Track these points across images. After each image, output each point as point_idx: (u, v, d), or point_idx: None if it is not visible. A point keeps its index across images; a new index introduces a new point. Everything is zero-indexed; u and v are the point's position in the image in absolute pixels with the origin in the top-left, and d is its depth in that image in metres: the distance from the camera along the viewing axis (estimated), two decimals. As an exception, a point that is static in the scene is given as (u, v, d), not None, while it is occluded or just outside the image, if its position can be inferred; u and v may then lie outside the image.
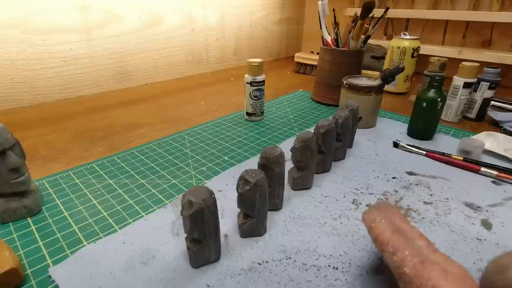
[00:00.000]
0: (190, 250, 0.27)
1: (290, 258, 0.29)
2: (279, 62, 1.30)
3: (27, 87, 0.70)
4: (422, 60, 0.91)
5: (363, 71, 0.91)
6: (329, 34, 0.73)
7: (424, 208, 0.36)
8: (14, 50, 0.66)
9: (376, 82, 0.57)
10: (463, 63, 0.60)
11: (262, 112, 0.63)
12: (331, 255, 0.29)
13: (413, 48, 0.77)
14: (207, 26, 1.03)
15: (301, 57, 1.08)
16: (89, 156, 0.49)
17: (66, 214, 0.35)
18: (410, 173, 0.44)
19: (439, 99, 0.50)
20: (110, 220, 0.34)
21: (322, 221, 0.34)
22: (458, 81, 0.60)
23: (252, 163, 0.46)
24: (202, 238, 0.26)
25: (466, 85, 0.59)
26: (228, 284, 0.26)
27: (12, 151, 0.32)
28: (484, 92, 0.61)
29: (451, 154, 0.47)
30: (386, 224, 0.24)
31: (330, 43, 0.72)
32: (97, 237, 0.31)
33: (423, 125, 0.53)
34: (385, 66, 0.85)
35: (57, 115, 0.66)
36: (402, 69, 0.54)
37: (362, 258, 0.29)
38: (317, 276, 0.27)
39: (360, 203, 0.37)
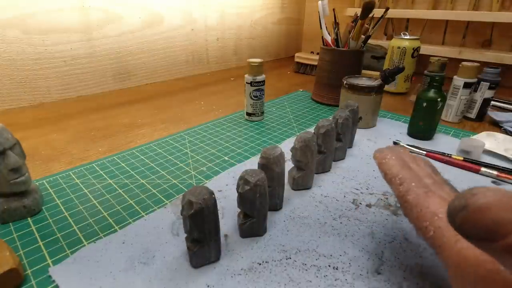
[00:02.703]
0: (190, 250, 0.27)
1: (290, 258, 0.29)
2: (279, 62, 1.30)
3: (27, 87, 0.70)
4: (422, 60, 0.91)
5: (363, 71, 0.91)
6: (329, 34, 0.73)
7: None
8: (14, 50, 0.66)
9: (376, 82, 0.57)
10: (463, 63, 0.60)
11: (262, 112, 0.63)
12: (331, 255, 0.29)
13: (413, 48, 0.77)
14: (207, 26, 1.03)
15: (301, 57, 1.08)
16: (89, 156, 0.49)
17: (66, 214, 0.35)
18: (410, 173, 0.44)
19: (439, 99, 0.50)
20: (110, 220, 0.34)
21: (322, 221, 0.34)
22: (458, 81, 0.60)
23: (252, 163, 0.46)
24: (202, 238, 0.26)
25: (466, 85, 0.59)
26: (228, 284, 0.26)
27: (12, 151, 0.32)
28: (484, 92, 0.61)
29: (451, 154, 0.47)
30: (396, 160, 0.25)
31: (330, 43, 0.72)
32: (97, 237, 0.31)
33: (423, 125, 0.53)
34: (385, 66, 0.85)
35: (57, 115, 0.66)
36: (402, 69, 0.54)
37: (362, 258, 0.29)
38: (317, 276, 0.27)
39: (360, 203, 0.37)
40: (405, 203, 0.22)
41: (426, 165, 0.27)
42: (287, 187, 0.40)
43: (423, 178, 0.24)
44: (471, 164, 0.45)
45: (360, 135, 0.56)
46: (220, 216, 0.34)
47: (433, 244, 0.20)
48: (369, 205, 0.37)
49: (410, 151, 0.50)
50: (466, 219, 0.12)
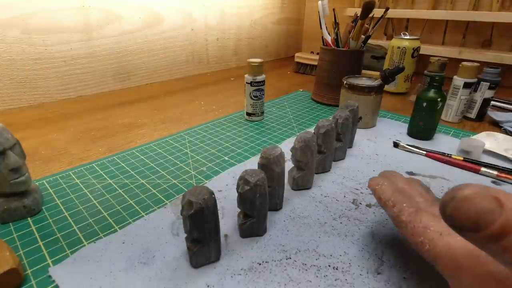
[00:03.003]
0: (190, 250, 0.27)
1: (290, 258, 0.29)
2: (279, 62, 1.30)
3: (27, 87, 0.70)
4: (422, 60, 0.91)
5: (363, 71, 0.91)
6: (329, 34, 0.73)
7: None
8: (14, 50, 0.66)
9: (376, 82, 0.57)
10: (463, 63, 0.60)
11: (262, 112, 0.63)
12: (331, 255, 0.29)
13: (413, 48, 0.77)
14: (207, 26, 1.03)
15: (301, 57, 1.08)
16: (89, 156, 0.49)
17: (66, 214, 0.35)
18: (410, 173, 0.44)
19: (439, 99, 0.50)
20: (110, 220, 0.34)
21: (322, 221, 0.34)
22: (458, 81, 0.60)
23: (252, 163, 0.46)
24: (202, 238, 0.26)
25: (466, 85, 0.59)
26: (228, 284, 0.26)
27: (12, 151, 0.32)
28: (484, 92, 0.61)
29: (451, 154, 0.47)
30: (388, 186, 0.28)
31: (330, 43, 0.72)
32: (97, 237, 0.31)
33: (423, 125, 0.53)
34: (385, 66, 0.85)
35: (57, 115, 0.66)
36: (402, 69, 0.54)
37: (362, 258, 0.29)
38: (317, 276, 0.27)
39: (360, 203, 0.37)
40: (400, 223, 0.24)
41: (418, 185, 0.29)
42: (287, 187, 0.40)
43: (415, 197, 0.26)
44: (471, 164, 0.45)
45: (360, 135, 0.56)
46: (220, 216, 0.34)
47: (430, 257, 0.21)
48: (369, 205, 0.37)
49: (410, 151, 0.50)
50: (455, 208, 0.14)
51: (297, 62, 1.10)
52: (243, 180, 0.28)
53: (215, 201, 0.26)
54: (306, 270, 0.28)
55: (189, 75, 1.04)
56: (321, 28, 0.72)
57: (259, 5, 1.19)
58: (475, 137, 0.53)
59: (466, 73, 0.59)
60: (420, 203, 0.25)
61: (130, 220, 0.34)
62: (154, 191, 0.39)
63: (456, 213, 0.14)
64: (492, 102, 0.71)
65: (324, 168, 0.43)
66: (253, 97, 0.60)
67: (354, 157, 0.48)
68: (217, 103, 0.75)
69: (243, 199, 0.29)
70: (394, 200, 0.26)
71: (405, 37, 0.78)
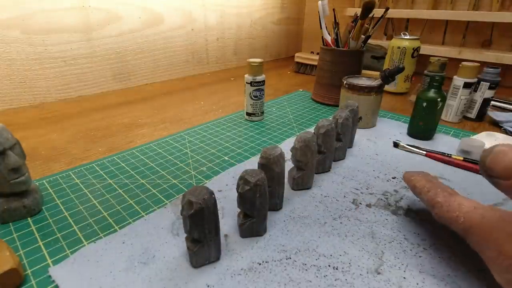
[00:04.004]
0: (190, 250, 0.27)
1: (290, 258, 0.29)
2: (279, 62, 1.30)
3: (27, 87, 0.70)
4: (422, 60, 0.91)
5: (363, 71, 0.91)
6: (329, 34, 0.73)
7: (424, 208, 0.36)
8: (14, 50, 0.66)
9: (376, 82, 0.57)
10: (463, 63, 0.60)
11: (262, 112, 0.63)
12: (331, 255, 0.29)
13: (413, 48, 0.77)
14: (207, 26, 1.03)
15: (301, 57, 1.08)
16: (89, 156, 0.49)
17: (66, 214, 0.35)
18: (410, 173, 0.44)
19: (439, 99, 0.50)
20: (110, 220, 0.34)
21: (322, 221, 0.34)
22: (458, 81, 0.60)
23: (252, 163, 0.46)
24: (202, 238, 0.26)
25: (466, 85, 0.59)
26: (228, 284, 0.26)
27: (12, 151, 0.32)
28: (484, 92, 0.61)
29: (451, 154, 0.47)
30: (422, 177, 0.31)
31: (330, 43, 0.72)
32: (97, 237, 0.31)
33: (423, 125, 0.53)
34: (385, 66, 0.85)
35: (57, 115, 0.66)
36: (402, 69, 0.54)
37: (362, 258, 0.29)
38: (317, 276, 0.27)
39: (360, 203, 0.37)
40: (436, 203, 0.27)
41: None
42: (287, 187, 0.40)
43: (446, 189, 0.29)
44: (471, 164, 0.45)
45: (360, 135, 0.56)
46: (220, 216, 0.34)
47: (464, 229, 0.24)
48: (369, 205, 0.37)
49: (410, 151, 0.50)
50: (492, 159, 0.18)
51: (297, 62, 1.10)
52: (243, 180, 0.28)
53: (215, 201, 0.26)
54: (306, 270, 0.28)
55: (189, 75, 1.04)
56: (321, 28, 0.72)
57: (259, 5, 1.19)
58: (475, 137, 0.53)
59: (466, 73, 0.59)
60: (452, 193, 0.28)
61: (130, 220, 0.34)
62: (154, 191, 0.39)
63: (492, 163, 0.18)
64: (492, 102, 0.71)
65: (324, 168, 0.43)
66: (253, 97, 0.60)
67: (354, 157, 0.48)
68: (217, 103, 0.75)
69: (243, 199, 0.29)
70: (429, 187, 0.29)
71: (405, 37, 0.78)
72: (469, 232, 0.23)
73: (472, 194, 0.39)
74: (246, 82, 0.59)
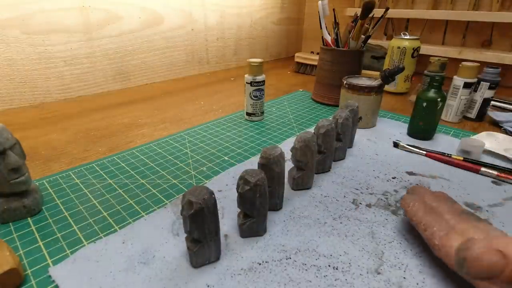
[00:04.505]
0: (190, 250, 0.27)
1: (290, 258, 0.29)
2: (279, 62, 1.30)
3: (27, 87, 0.70)
4: (422, 60, 0.91)
5: (363, 71, 0.91)
6: (329, 34, 0.73)
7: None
8: (14, 50, 0.66)
9: (376, 82, 0.57)
10: (463, 63, 0.60)
11: (262, 112, 0.63)
12: (331, 255, 0.29)
13: (413, 48, 0.77)
14: (207, 26, 1.03)
15: (301, 57, 1.08)
16: (89, 156, 0.49)
17: (66, 214, 0.35)
18: (410, 173, 0.44)
19: (439, 99, 0.50)
20: (110, 220, 0.34)
21: (322, 221, 0.34)
22: (458, 81, 0.60)
23: (252, 163, 0.46)
24: (202, 238, 0.26)
25: (466, 85, 0.59)
26: (228, 284, 0.26)
27: (12, 151, 0.32)
28: (484, 92, 0.61)
29: (451, 154, 0.47)
30: (419, 206, 0.29)
31: (330, 43, 0.72)
32: (97, 237, 0.31)
33: (423, 125, 0.53)
34: (385, 66, 0.85)
35: (57, 115, 0.66)
36: (402, 69, 0.54)
37: (362, 258, 0.29)
38: (317, 276, 0.27)
39: (360, 203, 0.37)
40: (434, 246, 0.26)
41: (445, 199, 0.30)
42: (287, 187, 0.40)
43: (444, 214, 0.28)
44: (471, 164, 0.45)
45: (360, 135, 0.56)
46: (220, 216, 0.34)
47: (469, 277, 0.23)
48: (369, 205, 0.37)
49: (410, 151, 0.50)
50: (469, 267, 0.18)
51: (297, 62, 1.10)
52: (243, 180, 0.28)
53: (215, 201, 0.26)
54: (306, 270, 0.28)
55: (189, 75, 1.04)
56: (321, 28, 0.72)
57: (259, 5, 1.19)
58: (475, 137, 0.53)
59: (466, 73, 0.59)
60: (449, 220, 0.26)
61: (130, 220, 0.34)
62: (154, 191, 0.39)
63: (471, 271, 0.17)
64: (492, 102, 0.71)
65: (324, 168, 0.43)
66: (253, 97, 0.60)
67: (354, 157, 0.48)
68: (217, 103, 0.75)
69: (243, 199, 0.29)
70: (425, 223, 0.27)
71: (405, 37, 0.78)
72: (473, 281, 0.21)
73: (472, 194, 0.39)
74: (246, 82, 0.59)
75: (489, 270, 0.17)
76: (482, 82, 0.61)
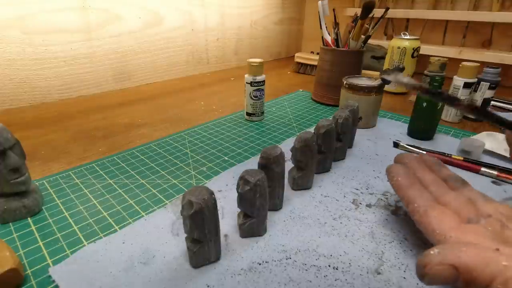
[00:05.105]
0: (190, 250, 0.27)
1: (290, 258, 0.29)
2: (279, 62, 1.30)
3: (27, 87, 0.70)
4: (422, 60, 0.91)
5: (363, 71, 0.91)
6: (329, 34, 0.73)
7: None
8: (14, 50, 0.66)
9: (376, 82, 0.57)
10: (463, 63, 0.60)
11: (262, 112, 0.63)
12: (331, 255, 0.29)
13: (413, 48, 0.77)
14: (207, 26, 1.03)
15: (301, 57, 1.08)
16: (89, 156, 0.49)
17: (66, 214, 0.35)
18: (410, 173, 0.44)
19: (439, 99, 0.50)
20: (110, 220, 0.34)
21: (322, 221, 0.34)
22: (458, 81, 0.60)
23: (252, 163, 0.46)
24: (202, 238, 0.26)
25: (466, 85, 0.59)
26: (228, 284, 0.26)
27: (12, 151, 0.32)
28: (484, 92, 0.61)
29: (451, 154, 0.47)
30: (404, 177, 0.29)
31: (330, 43, 0.72)
32: (97, 237, 0.31)
33: (423, 125, 0.53)
34: (385, 66, 0.85)
35: (57, 115, 0.66)
36: (402, 69, 0.54)
37: (362, 258, 0.29)
38: (317, 276, 0.27)
39: (360, 203, 0.37)
40: (415, 221, 0.27)
41: (430, 165, 0.30)
42: (287, 187, 0.40)
43: (429, 186, 0.28)
44: (471, 164, 0.45)
45: (360, 135, 0.56)
46: (220, 216, 0.34)
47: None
48: (369, 205, 0.37)
49: (410, 151, 0.50)
50: (425, 282, 0.19)
51: (297, 62, 1.10)
52: (243, 180, 0.28)
53: (215, 201, 0.26)
54: (306, 270, 0.28)
55: (189, 75, 1.04)
56: (321, 28, 0.72)
57: (260, 5, 1.19)
58: (475, 137, 0.53)
59: (466, 73, 0.59)
60: (434, 192, 0.27)
61: (130, 220, 0.34)
62: (154, 191, 0.39)
63: (428, 283, 0.19)
64: (492, 102, 0.71)
65: (324, 168, 0.43)
66: (253, 97, 0.60)
67: (354, 157, 0.48)
68: (217, 103, 0.75)
69: (243, 199, 0.29)
70: (407, 198, 0.28)
71: (405, 37, 0.78)
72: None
73: (472, 194, 0.39)
74: (246, 82, 0.59)
75: (444, 282, 0.19)
76: (482, 82, 0.61)
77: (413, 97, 0.79)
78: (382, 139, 0.55)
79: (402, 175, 0.29)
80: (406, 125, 0.60)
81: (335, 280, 0.27)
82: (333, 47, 0.71)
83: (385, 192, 0.39)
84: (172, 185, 0.41)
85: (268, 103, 0.75)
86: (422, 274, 0.19)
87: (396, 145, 0.52)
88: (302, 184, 0.39)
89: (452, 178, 0.29)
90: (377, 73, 0.88)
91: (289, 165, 0.43)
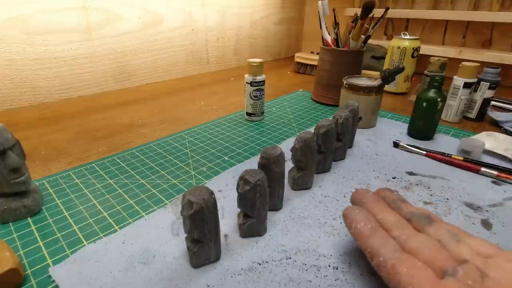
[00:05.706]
0: (190, 250, 0.27)
1: (290, 258, 0.29)
2: (279, 62, 1.30)
3: (27, 87, 0.70)
4: (422, 60, 0.91)
5: (363, 71, 0.91)
6: (329, 34, 0.73)
7: (424, 208, 0.36)
8: (14, 50, 0.66)
9: (376, 82, 0.57)
10: (463, 63, 0.60)
11: (262, 112, 0.63)
12: (331, 255, 0.29)
13: (413, 48, 0.77)
14: (207, 26, 1.03)
15: (301, 57, 1.08)
16: (89, 156, 0.49)
17: (66, 214, 0.35)
18: (410, 173, 0.44)
19: (439, 99, 0.50)
20: (110, 220, 0.34)
21: (322, 221, 0.34)
22: (458, 81, 0.60)
23: (252, 163, 0.46)
24: (202, 238, 0.26)
25: (466, 85, 0.59)
26: (228, 284, 0.26)
27: (12, 151, 0.32)
28: (484, 92, 0.61)
29: (451, 154, 0.47)
30: (363, 224, 0.25)
31: (330, 43, 0.72)
32: (97, 237, 0.31)
33: (423, 125, 0.53)
34: (385, 66, 0.85)
35: (57, 115, 0.66)
36: (402, 69, 0.54)
37: (362, 258, 0.29)
38: (317, 276, 0.27)
39: (360, 203, 0.37)
40: (383, 278, 0.23)
41: (389, 202, 0.28)
42: (287, 187, 0.40)
43: (392, 230, 0.25)
44: (471, 164, 0.45)
45: (360, 135, 0.56)
46: (220, 216, 0.34)
47: None
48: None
49: (410, 151, 0.50)
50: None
51: (297, 62, 1.10)
52: (243, 180, 0.28)
53: (215, 201, 0.26)
54: (306, 270, 0.28)
55: (189, 75, 1.04)
56: (321, 28, 0.72)
57: (260, 5, 1.19)
58: (475, 137, 0.53)
59: (466, 73, 0.59)
60: (398, 236, 0.24)
61: (130, 220, 0.34)
62: (154, 191, 0.39)
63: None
64: (492, 102, 0.71)
65: (324, 168, 0.43)
66: (253, 97, 0.60)
67: (354, 157, 0.48)
68: (217, 103, 0.75)
69: (243, 199, 0.29)
70: (370, 250, 0.24)
71: (405, 37, 0.78)
72: None
73: (472, 194, 0.39)
74: (246, 82, 0.59)
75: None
76: (482, 82, 0.61)
77: (413, 97, 0.79)
78: (382, 139, 0.55)
79: (361, 220, 0.26)
80: (406, 125, 0.60)
81: (335, 280, 0.27)
82: (333, 47, 0.71)
83: (385, 192, 0.39)
84: (172, 185, 0.41)
85: (268, 103, 0.75)
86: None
87: (396, 145, 0.52)
88: (302, 184, 0.39)
89: (416, 216, 0.26)
90: (377, 73, 0.88)
91: (289, 165, 0.43)
